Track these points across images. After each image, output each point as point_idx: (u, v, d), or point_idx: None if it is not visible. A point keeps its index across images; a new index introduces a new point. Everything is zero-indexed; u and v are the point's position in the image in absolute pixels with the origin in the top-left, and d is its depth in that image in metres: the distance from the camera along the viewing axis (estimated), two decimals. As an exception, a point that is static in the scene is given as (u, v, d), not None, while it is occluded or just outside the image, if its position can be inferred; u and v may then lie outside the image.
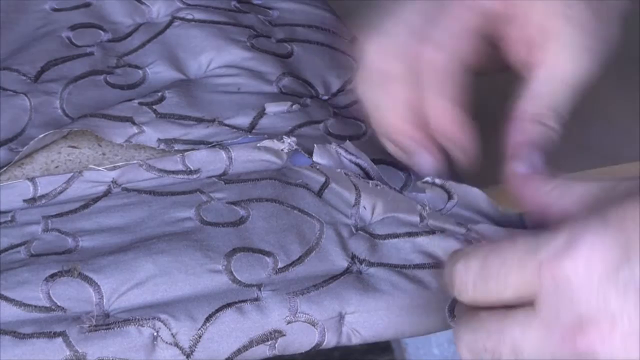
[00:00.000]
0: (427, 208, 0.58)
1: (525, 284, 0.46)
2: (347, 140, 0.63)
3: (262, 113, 0.66)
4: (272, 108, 0.66)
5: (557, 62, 0.58)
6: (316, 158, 0.62)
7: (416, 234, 0.58)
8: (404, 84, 0.59)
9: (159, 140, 0.63)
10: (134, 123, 0.64)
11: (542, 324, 0.46)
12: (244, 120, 0.65)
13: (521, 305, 0.46)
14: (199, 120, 0.65)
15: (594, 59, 0.58)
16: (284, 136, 0.63)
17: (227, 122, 0.65)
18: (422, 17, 0.59)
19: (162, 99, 0.66)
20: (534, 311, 0.46)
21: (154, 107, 0.65)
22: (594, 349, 0.44)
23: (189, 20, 0.74)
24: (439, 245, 0.57)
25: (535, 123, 0.57)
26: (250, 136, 0.64)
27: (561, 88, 0.58)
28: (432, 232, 0.57)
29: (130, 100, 0.66)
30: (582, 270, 0.44)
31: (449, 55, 0.59)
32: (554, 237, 0.45)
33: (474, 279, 0.48)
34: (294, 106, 0.67)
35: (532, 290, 0.46)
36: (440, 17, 0.59)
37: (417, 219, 0.58)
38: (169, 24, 0.73)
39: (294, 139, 0.62)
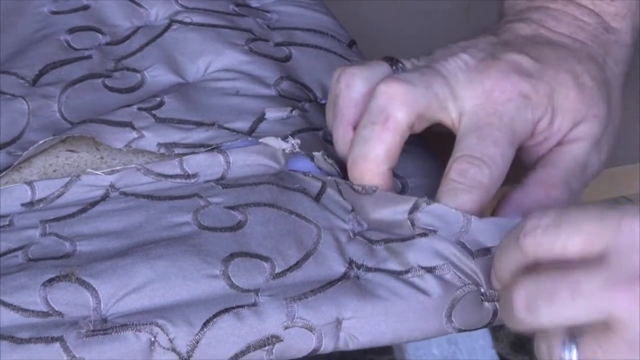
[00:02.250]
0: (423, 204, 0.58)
1: (600, 233, 0.48)
2: None
3: (261, 118, 0.66)
4: (271, 114, 0.66)
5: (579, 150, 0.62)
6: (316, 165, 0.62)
7: (410, 238, 0.58)
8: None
9: (159, 144, 0.63)
10: (133, 128, 0.64)
11: (609, 269, 0.47)
12: (243, 125, 0.65)
13: (583, 261, 0.48)
14: (199, 124, 0.65)
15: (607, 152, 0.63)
16: (289, 136, 0.63)
17: (226, 125, 0.65)
18: None
19: (161, 104, 0.66)
20: (601, 261, 0.47)
21: (153, 112, 0.65)
22: None
23: (187, 24, 0.73)
24: (432, 248, 0.57)
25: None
26: (250, 139, 0.64)
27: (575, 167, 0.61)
28: (424, 234, 0.57)
29: (129, 105, 0.66)
30: None
31: None
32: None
33: (547, 223, 0.49)
34: (294, 112, 0.66)
35: (605, 241, 0.47)
36: None
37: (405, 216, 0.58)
38: (167, 27, 0.73)
39: (297, 140, 0.62)
